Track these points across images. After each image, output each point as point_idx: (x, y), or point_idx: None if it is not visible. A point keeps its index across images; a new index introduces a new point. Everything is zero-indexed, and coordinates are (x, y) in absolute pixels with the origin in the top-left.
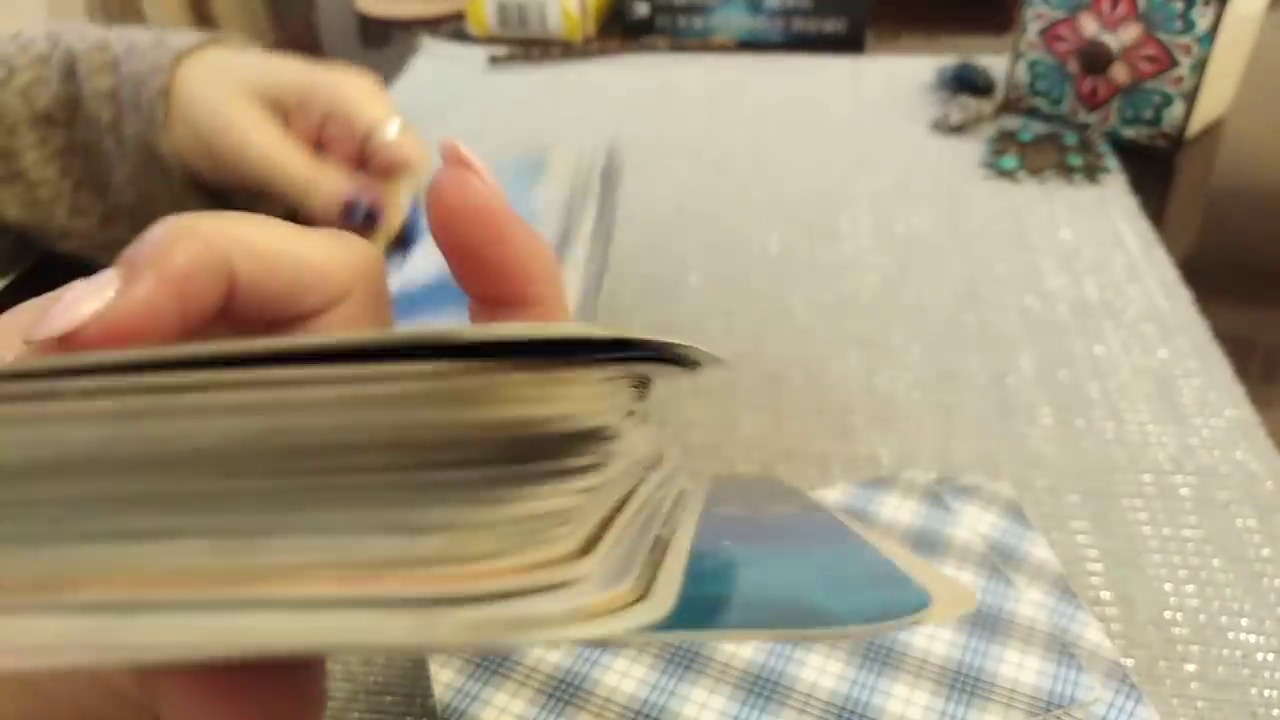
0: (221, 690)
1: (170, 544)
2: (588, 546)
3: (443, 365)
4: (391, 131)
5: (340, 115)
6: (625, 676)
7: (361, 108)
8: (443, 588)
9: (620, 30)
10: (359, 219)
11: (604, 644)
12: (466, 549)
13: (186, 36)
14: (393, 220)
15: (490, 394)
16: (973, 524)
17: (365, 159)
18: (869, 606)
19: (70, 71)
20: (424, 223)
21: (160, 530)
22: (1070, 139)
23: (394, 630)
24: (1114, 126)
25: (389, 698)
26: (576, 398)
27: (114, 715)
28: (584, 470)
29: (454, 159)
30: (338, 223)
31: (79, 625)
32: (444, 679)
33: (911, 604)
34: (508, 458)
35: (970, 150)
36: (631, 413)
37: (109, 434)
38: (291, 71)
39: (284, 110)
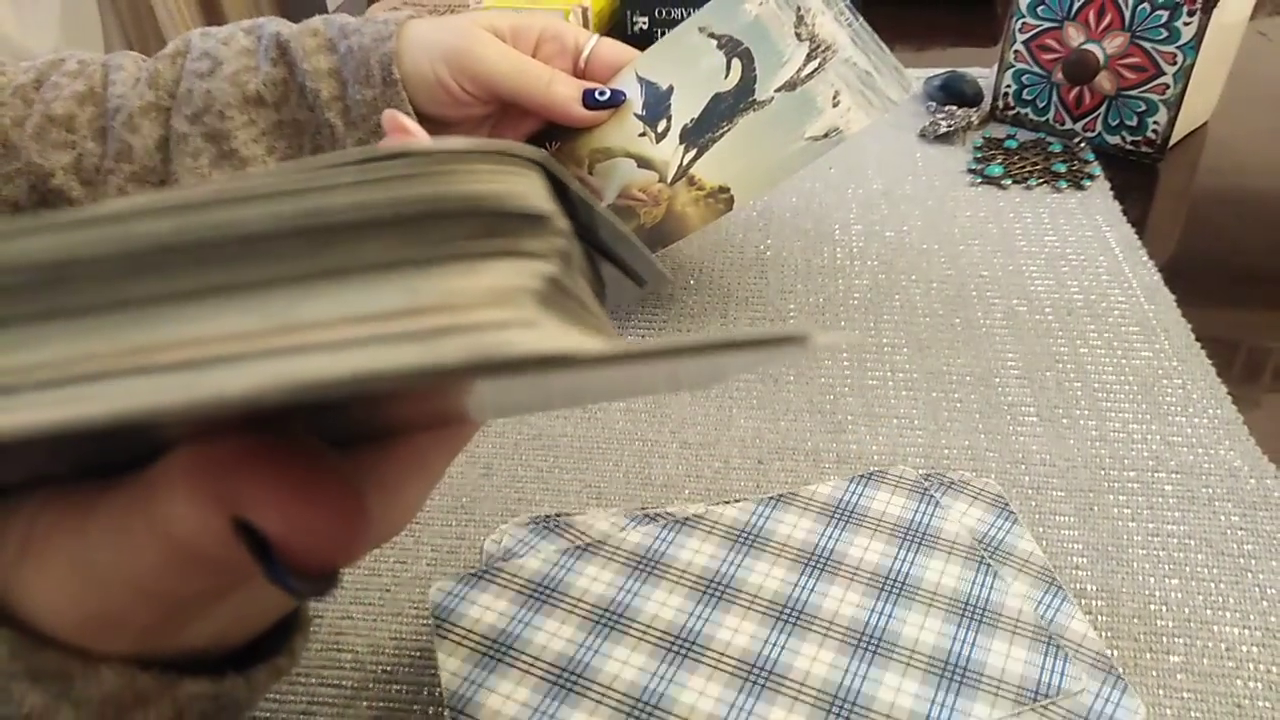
0: (298, 487)
1: (228, 318)
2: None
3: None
4: (594, 42)
5: (553, 36)
6: (625, 665)
7: (569, 29)
8: (440, 323)
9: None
10: (603, 102)
11: (564, 362)
12: (454, 301)
13: (389, 15)
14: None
15: (455, 171)
16: (960, 518)
17: (581, 71)
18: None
19: (282, 55)
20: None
21: (220, 312)
22: (1055, 146)
23: (408, 355)
24: (1099, 134)
25: (397, 687)
26: (521, 183)
27: (172, 590)
28: (536, 255)
29: (395, 127)
30: (582, 108)
31: (164, 381)
32: (451, 667)
33: (794, 334)
34: (477, 235)
35: (957, 158)
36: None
37: (179, 223)
38: (497, 14)
39: (501, 38)
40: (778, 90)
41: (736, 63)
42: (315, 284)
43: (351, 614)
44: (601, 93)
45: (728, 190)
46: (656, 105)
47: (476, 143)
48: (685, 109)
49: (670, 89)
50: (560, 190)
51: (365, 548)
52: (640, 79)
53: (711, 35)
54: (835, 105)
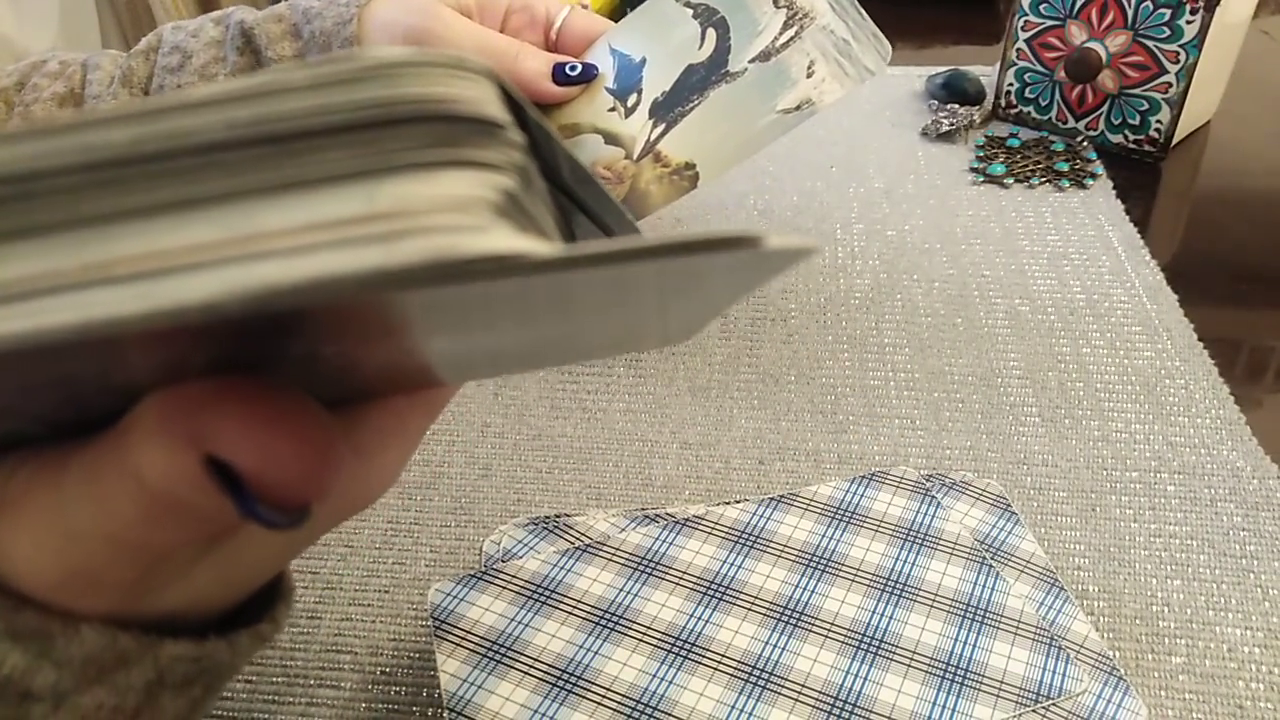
0: (267, 418)
1: (188, 230)
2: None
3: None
4: (566, 13)
5: (521, 7)
6: (625, 666)
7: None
8: (397, 227)
9: None
10: (574, 78)
11: (519, 263)
12: (410, 208)
13: None
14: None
15: (406, 74)
16: (962, 519)
17: (552, 43)
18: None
19: (247, 44)
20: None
21: (180, 225)
22: (1058, 145)
23: (368, 257)
24: (1101, 132)
25: (396, 688)
26: (473, 89)
27: (148, 542)
28: (492, 166)
29: None
30: (552, 84)
31: (124, 292)
32: (450, 669)
33: (746, 235)
34: (431, 144)
35: (959, 156)
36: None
37: (136, 132)
38: None
39: (467, 14)
40: (751, 61)
41: (711, 32)
42: (273, 195)
43: (350, 615)
44: (573, 67)
45: (693, 167)
46: (628, 79)
47: (425, 51)
48: (657, 82)
49: (643, 61)
50: (518, 117)
51: (337, 482)
52: (613, 51)
53: (687, 4)
54: (809, 76)
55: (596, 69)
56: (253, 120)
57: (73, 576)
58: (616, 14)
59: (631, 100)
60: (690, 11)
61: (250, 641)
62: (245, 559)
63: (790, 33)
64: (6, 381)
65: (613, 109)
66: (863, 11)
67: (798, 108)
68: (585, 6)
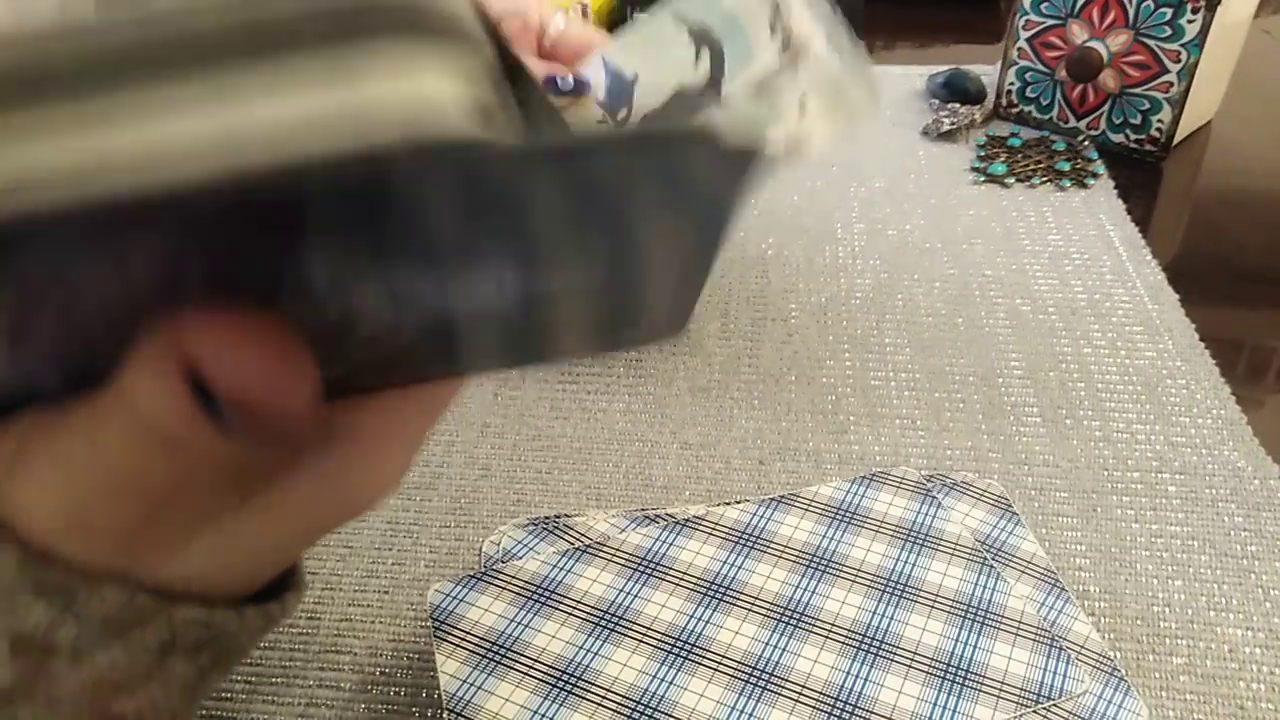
0: (236, 328)
1: (181, 121)
2: None
3: None
4: (562, 22)
5: (513, 13)
6: (625, 667)
7: (532, 5)
8: (379, 114)
9: None
10: (565, 91)
11: (489, 148)
12: (392, 99)
13: None
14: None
15: None
16: (963, 519)
17: (545, 52)
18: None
19: None
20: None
21: (174, 117)
22: (1059, 145)
23: (348, 137)
24: (1102, 132)
25: (396, 689)
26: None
27: (144, 479)
28: (468, 70)
29: None
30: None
31: (121, 174)
32: (449, 669)
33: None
34: (414, 44)
35: (960, 156)
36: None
37: (136, 34)
38: None
39: None
40: (742, 90)
41: (705, 57)
42: (262, 89)
43: (350, 616)
44: (564, 80)
45: None
46: (619, 95)
47: None
48: (647, 102)
49: (635, 78)
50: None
51: (304, 397)
52: (606, 65)
53: (684, 24)
54: (798, 113)
55: (589, 83)
56: (243, 22)
57: (76, 519)
58: (617, 10)
59: (621, 116)
60: (686, 32)
61: (258, 618)
62: (246, 535)
63: (784, 64)
64: (21, 283)
65: (602, 123)
66: (856, 47)
67: (785, 147)
68: (585, 4)
